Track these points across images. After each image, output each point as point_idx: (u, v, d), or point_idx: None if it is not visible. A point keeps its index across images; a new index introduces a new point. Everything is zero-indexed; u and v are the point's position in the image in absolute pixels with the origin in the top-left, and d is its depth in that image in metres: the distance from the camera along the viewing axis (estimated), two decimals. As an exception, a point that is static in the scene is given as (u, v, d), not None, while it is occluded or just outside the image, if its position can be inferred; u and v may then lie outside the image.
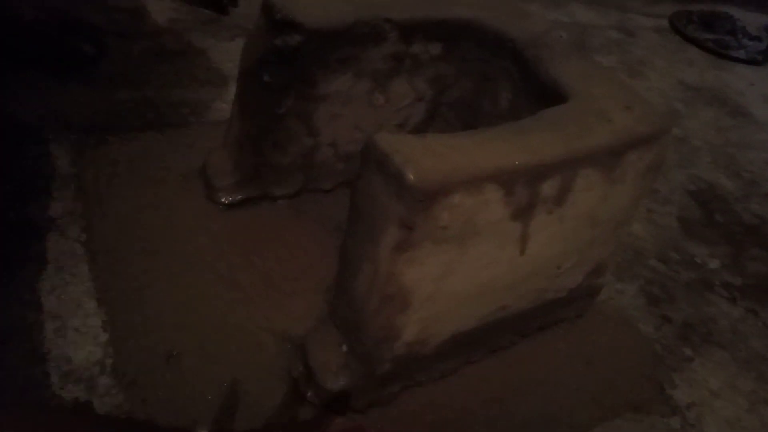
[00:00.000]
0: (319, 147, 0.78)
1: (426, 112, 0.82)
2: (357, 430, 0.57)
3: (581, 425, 0.66)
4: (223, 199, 0.78)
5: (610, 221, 0.64)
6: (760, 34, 1.59)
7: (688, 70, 1.39)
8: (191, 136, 0.87)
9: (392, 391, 0.62)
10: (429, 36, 0.73)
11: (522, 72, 0.69)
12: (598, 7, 1.56)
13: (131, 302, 0.65)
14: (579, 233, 0.62)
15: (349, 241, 0.56)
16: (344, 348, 0.60)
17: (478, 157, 0.52)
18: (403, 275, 0.52)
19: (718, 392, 0.73)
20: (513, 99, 0.72)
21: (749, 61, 1.49)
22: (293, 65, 0.68)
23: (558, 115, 0.59)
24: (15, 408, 0.50)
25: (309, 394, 0.60)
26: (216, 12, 1.14)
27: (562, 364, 0.71)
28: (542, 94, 0.66)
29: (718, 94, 1.32)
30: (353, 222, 0.54)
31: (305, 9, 0.65)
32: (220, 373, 0.61)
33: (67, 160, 0.80)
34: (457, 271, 0.55)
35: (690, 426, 0.69)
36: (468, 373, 0.67)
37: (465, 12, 0.73)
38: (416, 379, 0.63)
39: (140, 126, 0.87)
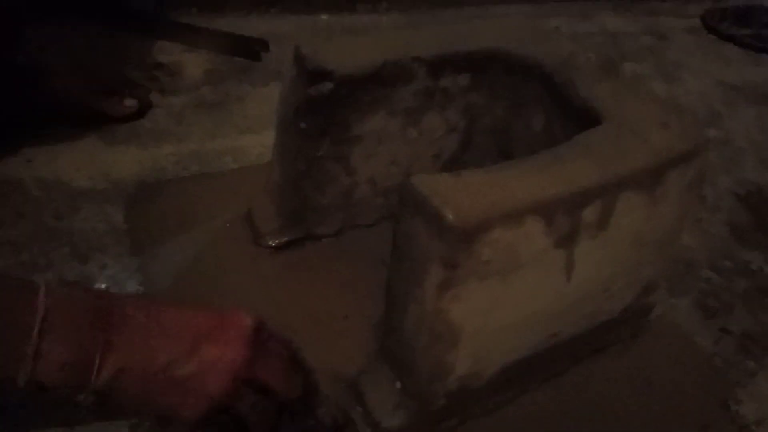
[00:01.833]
0: (357, 185, 0.79)
1: (460, 142, 0.82)
2: None
3: (645, 449, 0.64)
4: (269, 243, 0.80)
5: (656, 240, 0.63)
6: (799, 24, 1.54)
7: (726, 69, 1.36)
8: (235, 183, 0.90)
9: (449, 425, 0.63)
10: (457, 69, 0.74)
11: (553, 96, 0.69)
12: (627, 14, 1.54)
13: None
14: (625, 255, 0.62)
15: (394, 281, 0.57)
16: (398, 385, 0.61)
17: (515, 189, 0.52)
18: (449, 312, 0.53)
19: (788, 406, 0.70)
20: (546, 122, 0.72)
21: (790, 53, 1.44)
22: (327, 111, 0.70)
23: (593, 139, 0.59)
24: None
25: (367, 432, 0.61)
26: (249, 59, 1.18)
27: (620, 386, 0.70)
28: (575, 116, 0.66)
29: (760, 91, 1.28)
30: (396, 263, 0.55)
31: (335, 57, 0.67)
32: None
33: (121, 216, 0.83)
34: (503, 304, 0.55)
35: (760, 442, 0.66)
36: (524, 402, 0.66)
37: (490, 43, 0.74)
38: (472, 413, 0.63)
39: (186, 178, 0.91)
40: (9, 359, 0.40)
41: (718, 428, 0.67)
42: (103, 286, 0.73)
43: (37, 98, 0.91)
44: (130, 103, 0.98)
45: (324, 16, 1.38)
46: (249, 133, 1.00)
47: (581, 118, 0.65)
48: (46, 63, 0.95)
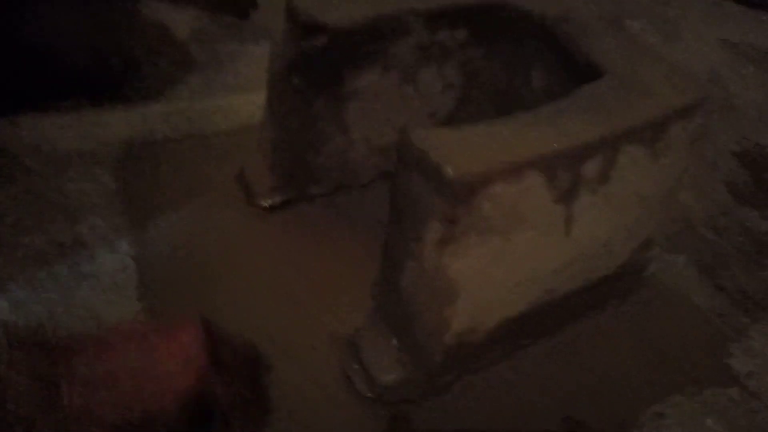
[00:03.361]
0: (352, 143, 0.78)
1: (457, 99, 0.81)
2: None
3: (640, 403, 0.65)
4: (263, 203, 0.79)
5: (656, 195, 0.62)
6: (798, -21, 1.51)
7: (727, 27, 1.34)
8: (226, 143, 0.89)
9: (446, 380, 0.63)
10: (454, 22, 0.72)
11: (554, 51, 0.68)
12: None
13: (181, 312, 0.67)
14: (626, 210, 0.61)
15: (392, 238, 0.56)
16: (395, 342, 0.61)
17: (515, 144, 0.51)
18: (449, 268, 0.52)
19: (779, 359, 0.71)
20: (546, 79, 0.71)
21: (788, 10, 1.42)
22: (321, 66, 0.68)
23: (595, 93, 0.58)
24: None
25: (364, 389, 0.61)
26: (237, 17, 1.15)
27: (616, 342, 0.70)
28: (577, 71, 0.64)
29: (759, 48, 1.27)
30: (395, 219, 0.54)
31: (328, 10, 0.65)
32: (274, 377, 0.62)
33: (110, 177, 0.82)
34: (503, 260, 0.55)
35: (750, 395, 0.67)
36: (521, 357, 0.66)
37: (489, -6, 0.72)
38: (469, 367, 0.64)
39: (176, 137, 0.89)
40: None
41: (711, 382, 0.68)
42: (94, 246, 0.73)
43: (24, 61, 0.88)
44: (115, 63, 0.95)
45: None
46: (239, 92, 0.98)
47: (582, 72, 0.63)
48: (31, 27, 0.91)
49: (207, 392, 0.52)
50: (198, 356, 0.51)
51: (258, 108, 0.79)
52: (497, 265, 0.55)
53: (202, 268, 0.72)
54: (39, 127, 0.87)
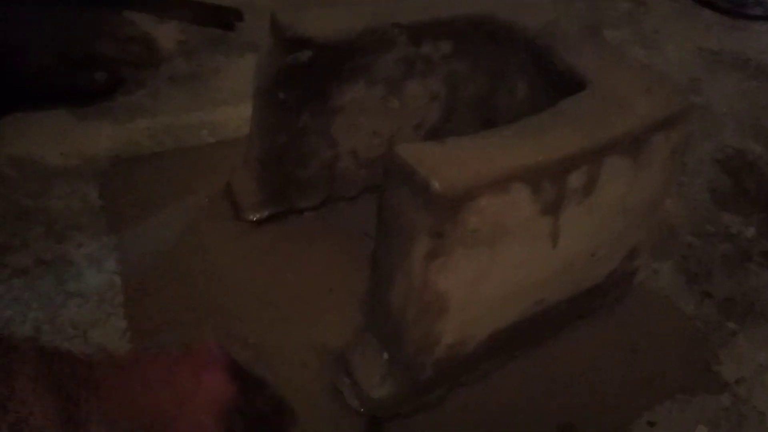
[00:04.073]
0: (339, 157, 0.78)
1: (442, 111, 0.81)
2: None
3: (631, 411, 0.65)
4: (250, 217, 0.79)
5: (641, 205, 0.63)
6: (776, -13, 1.54)
7: (705, 34, 1.36)
8: (213, 157, 0.88)
9: (438, 394, 0.63)
10: (438, 36, 0.72)
11: (536, 63, 0.68)
12: (606, -21, 1.53)
13: (170, 331, 0.66)
14: (611, 220, 0.62)
15: (380, 253, 0.56)
16: (385, 356, 0.60)
17: (501, 157, 0.52)
18: (437, 283, 0.52)
19: (767, 365, 0.72)
20: (529, 90, 0.72)
21: (767, 17, 1.45)
22: (306, 81, 0.68)
23: (577, 106, 0.58)
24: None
25: (355, 404, 0.61)
26: (223, 29, 1.15)
27: (605, 351, 0.70)
28: (559, 83, 0.65)
29: (738, 55, 1.29)
30: (382, 234, 0.54)
31: (313, 24, 0.65)
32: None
33: (95, 194, 0.81)
34: (491, 272, 0.55)
35: (741, 401, 0.68)
36: (511, 369, 0.67)
37: (471, 9, 0.72)
38: (460, 380, 0.64)
39: (162, 153, 0.89)
40: None
41: (700, 389, 0.68)
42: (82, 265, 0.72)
43: (8, 75, 0.88)
44: (99, 76, 0.95)
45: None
46: (225, 106, 0.98)
47: (565, 84, 0.64)
48: (16, 39, 0.91)
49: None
50: (224, 400, 0.46)
51: (244, 121, 0.79)
52: (486, 277, 0.55)
53: (190, 285, 0.71)
54: (24, 142, 0.86)
